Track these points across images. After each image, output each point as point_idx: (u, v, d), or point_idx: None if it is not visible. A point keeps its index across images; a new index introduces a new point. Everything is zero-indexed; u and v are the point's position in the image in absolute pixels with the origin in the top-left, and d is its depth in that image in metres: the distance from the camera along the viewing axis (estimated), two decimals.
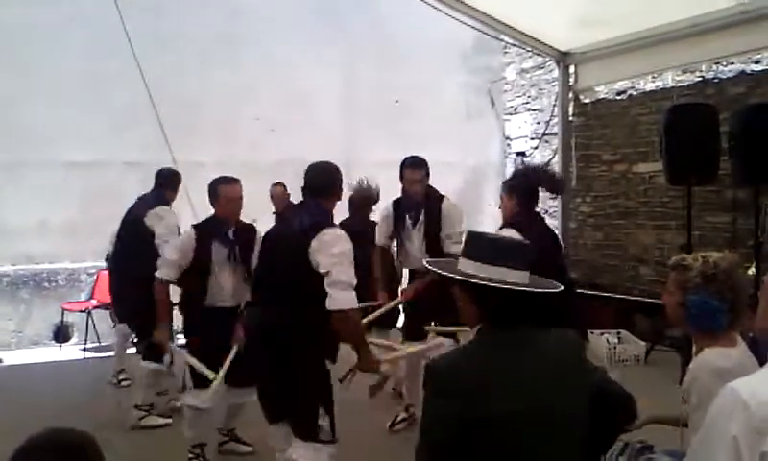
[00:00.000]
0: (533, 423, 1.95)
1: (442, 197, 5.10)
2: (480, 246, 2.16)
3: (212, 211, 4.55)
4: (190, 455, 4.52)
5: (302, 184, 3.55)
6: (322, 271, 3.21)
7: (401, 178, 5.08)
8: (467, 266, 2.13)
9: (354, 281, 3.27)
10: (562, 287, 2.20)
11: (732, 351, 2.47)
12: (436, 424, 2.02)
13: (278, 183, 7.35)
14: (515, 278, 2.07)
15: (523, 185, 4.58)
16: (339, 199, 3.59)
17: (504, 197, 4.56)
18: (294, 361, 3.33)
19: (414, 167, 5.02)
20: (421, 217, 5.06)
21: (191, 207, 6.46)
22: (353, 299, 3.26)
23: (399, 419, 5.31)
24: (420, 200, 5.04)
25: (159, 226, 5.39)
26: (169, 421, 5.37)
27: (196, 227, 4.52)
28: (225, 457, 4.77)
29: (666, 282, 2.65)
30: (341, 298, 3.21)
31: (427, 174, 5.07)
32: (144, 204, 5.61)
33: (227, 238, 4.45)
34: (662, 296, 2.67)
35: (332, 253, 3.22)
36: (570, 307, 4.04)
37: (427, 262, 2.34)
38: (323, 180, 3.53)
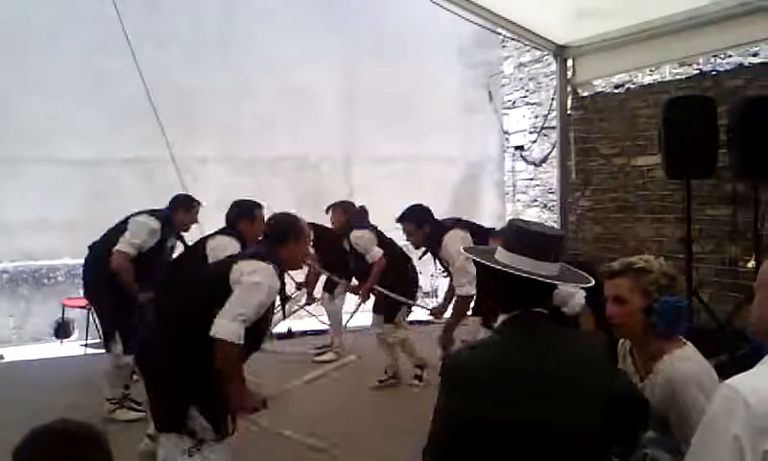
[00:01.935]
0: (542, 431, 1.92)
1: (445, 231, 5.21)
2: (512, 235, 2.15)
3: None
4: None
5: None
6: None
7: None
8: (501, 255, 2.11)
9: (245, 316, 3.13)
10: (593, 281, 2.18)
11: (686, 351, 2.42)
12: (446, 423, 2.00)
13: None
14: (542, 269, 2.04)
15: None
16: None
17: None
18: (168, 362, 3.27)
19: (399, 221, 5.47)
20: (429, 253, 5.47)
21: None
22: (236, 332, 3.10)
23: None
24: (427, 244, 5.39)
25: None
26: (143, 414, 5.30)
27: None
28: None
29: (607, 293, 2.49)
30: (222, 326, 3.11)
31: (419, 225, 5.34)
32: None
33: None
34: (608, 309, 2.49)
35: (244, 280, 3.17)
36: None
37: (464, 249, 2.34)
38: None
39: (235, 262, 3.29)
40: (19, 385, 6.33)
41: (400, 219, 5.35)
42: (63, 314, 8.15)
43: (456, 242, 4.98)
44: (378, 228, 6.49)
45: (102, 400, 5.54)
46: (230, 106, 8.95)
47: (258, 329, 3.31)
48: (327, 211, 6.90)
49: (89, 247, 5.79)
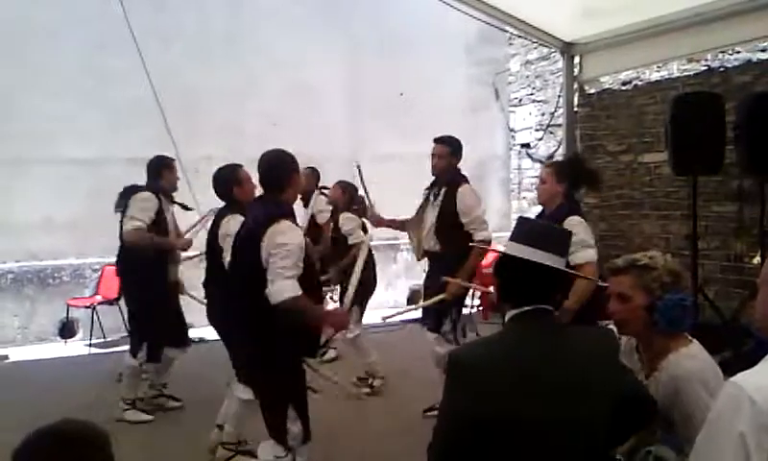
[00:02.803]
0: (546, 428, 1.92)
1: (462, 181, 5.12)
2: (522, 229, 2.20)
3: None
4: (230, 453, 4.50)
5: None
6: (264, 264, 3.25)
7: None
8: (510, 247, 2.15)
9: (292, 272, 3.24)
10: (600, 281, 2.19)
11: (692, 348, 2.39)
12: (451, 420, 2.00)
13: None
14: (551, 261, 2.07)
15: (575, 174, 4.53)
16: (295, 189, 3.62)
17: (549, 179, 4.43)
18: (261, 358, 3.39)
19: (436, 142, 5.24)
20: (441, 196, 5.12)
21: (195, 204, 6.41)
22: (291, 286, 3.22)
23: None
24: (444, 178, 5.13)
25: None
26: (150, 418, 5.39)
27: None
28: None
29: (610, 290, 2.48)
30: (277, 289, 3.21)
31: (453, 153, 5.15)
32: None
33: None
34: (610, 306, 2.47)
35: (275, 243, 3.24)
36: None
37: (473, 245, 2.37)
38: (272, 175, 3.55)
39: (263, 235, 3.30)
40: (24, 385, 6.34)
41: (439, 140, 5.25)
42: (68, 314, 8.17)
43: (472, 194, 5.06)
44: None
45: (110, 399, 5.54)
46: (236, 104, 8.94)
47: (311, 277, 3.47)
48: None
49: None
